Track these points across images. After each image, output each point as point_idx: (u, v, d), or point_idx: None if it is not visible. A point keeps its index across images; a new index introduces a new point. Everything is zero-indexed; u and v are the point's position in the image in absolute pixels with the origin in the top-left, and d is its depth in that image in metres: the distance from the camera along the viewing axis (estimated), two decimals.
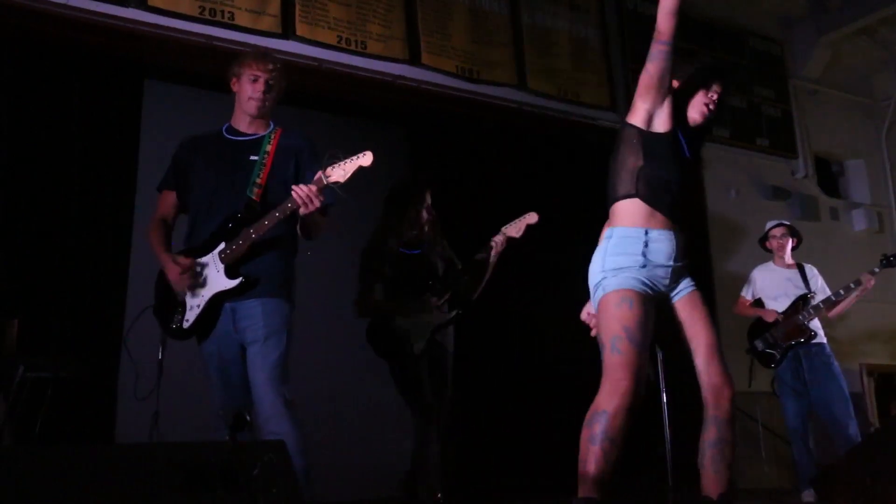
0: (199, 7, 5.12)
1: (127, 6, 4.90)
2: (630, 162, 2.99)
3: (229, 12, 5.23)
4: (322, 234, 3.41)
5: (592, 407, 2.80)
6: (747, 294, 5.86)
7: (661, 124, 2.99)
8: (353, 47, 5.66)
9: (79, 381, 4.18)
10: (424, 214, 4.58)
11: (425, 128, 6.20)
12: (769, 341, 5.57)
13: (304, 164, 3.39)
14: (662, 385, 4.73)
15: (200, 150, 3.42)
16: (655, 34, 2.92)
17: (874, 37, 8.76)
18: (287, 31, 5.41)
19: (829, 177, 8.92)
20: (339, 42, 5.60)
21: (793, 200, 8.02)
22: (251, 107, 3.38)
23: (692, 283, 3.03)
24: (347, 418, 5.75)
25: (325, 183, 3.15)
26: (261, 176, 3.30)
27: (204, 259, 3.25)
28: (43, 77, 4.72)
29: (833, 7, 8.32)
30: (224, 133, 3.44)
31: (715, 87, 3.08)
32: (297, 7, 5.48)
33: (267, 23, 5.35)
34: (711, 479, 2.86)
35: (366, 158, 3.17)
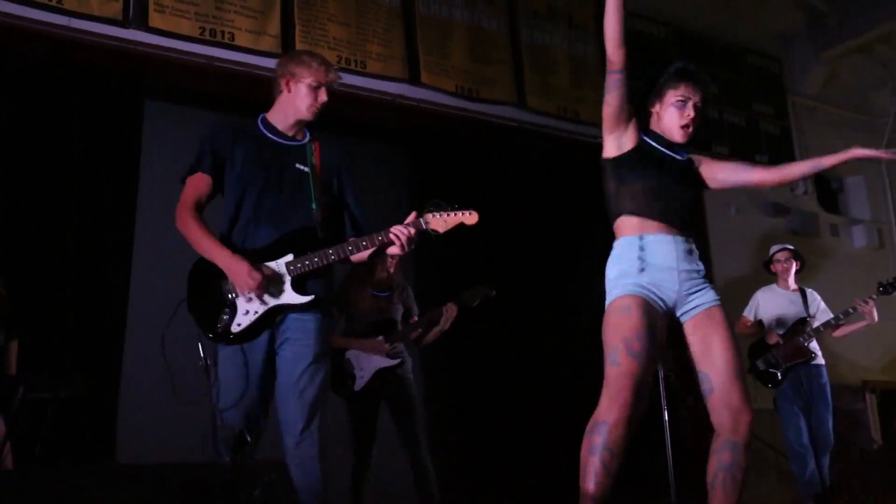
0: (200, 28, 5.15)
1: (128, 27, 4.93)
2: (612, 188, 3.08)
3: (230, 33, 5.25)
4: None
5: (593, 418, 2.81)
6: (749, 315, 5.89)
7: (629, 142, 3.07)
8: (352, 67, 5.68)
9: (79, 401, 4.16)
10: (389, 260, 4.78)
11: (425, 146, 6.22)
12: (770, 362, 5.63)
13: (346, 183, 3.34)
14: (664, 402, 4.73)
15: (240, 142, 3.24)
16: (608, 65, 3.03)
17: (871, 54, 8.80)
18: (287, 52, 5.42)
19: (829, 193, 8.93)
20: (338, 61, 5.62)
21: (793, 217, 8.03)
22: (309, 113, 3.26)
23: (716, 299, 2.98)
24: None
25: (423, 228, 3.12)
26: (317, 189, 3.20)
27: (269, 265, 3.10)
28: (44, 97, 4.74)
29: (830, 24, 8.36)
30: (262, 128, 3.30)
31: (683, 93, 3.10)
32: (297, 27, 5.51)
33: (267, 43, 5.37)
34: (720, 502, 2.84)
35: (471, 217, 3.18)
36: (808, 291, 5.87)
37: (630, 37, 7.68)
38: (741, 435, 2.85)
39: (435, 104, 6.04)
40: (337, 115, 5.74)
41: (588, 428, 2.79)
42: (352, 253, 3.12)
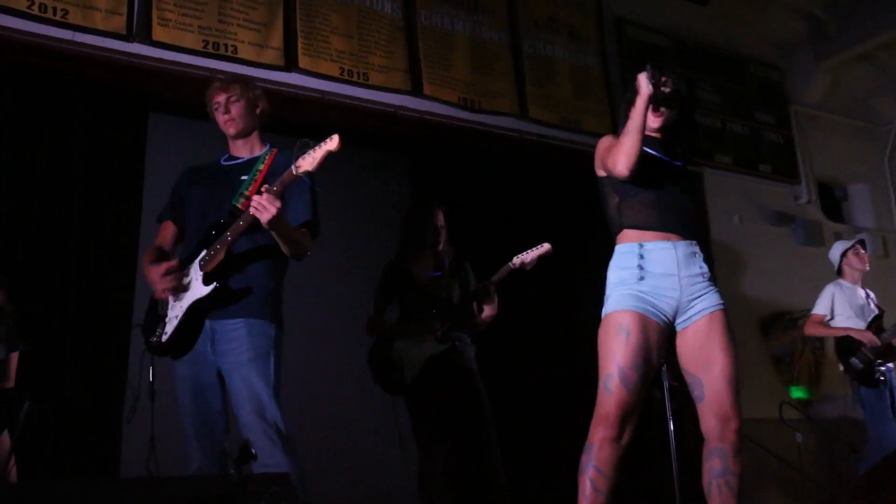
0: (203, 41, 5.17)
1: (131, 41, 4.95)
2: (611, 204, 3.08)
3: (232, 46, 5.27)
4: (307, 253, 3.25)
5: (587, 439, 2.84)
6: (825, 310, 5.73)
7: None
8: (355, 79, 5.70)
9: (83, 414, 4.17)
10: (439, 235, 4.55)
11: (427, 157, 6.23)
12: (867, 360, 5.44)
13: (294, 184, 3.23)
14: (669, 413, 4.72)
15: (198, 180, 3.39)
16: (616, 174, 2.95)
17: (873, 62, 8.80)
18: (290, 64, 5.45)
19: (833, 202, 8.92)
20: (341, 74, 5.64)
21: (796, 226, 8.01)
22: (227, 130, 3.37)
23: (719, 303, 2.98)
24: (342, 446, 5.73)
25: (296, 174, 3.00)
26: (249, 189, 3.18)
27: (187, 269, 3.14)
28: (48, 111, 4.76)
29: (831, 33, 8.37)
30: (221, 161, 3.42)
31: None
32: (300, 40, 5.53)
33: (270, 56, 5.39)
34: None
35: (332, 143, 2.96)
36: (867, 289, 5.79)
37: (631, 46, 7.74)
38: (729, 441, 2.86)
39: (437, 115, 6.05)
40: (339, 126, 5.80)
41: (583, 449, 2.83)
42: (243, 227, 3.03)
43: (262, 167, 3.25)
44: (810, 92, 8.55)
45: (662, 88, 2.93)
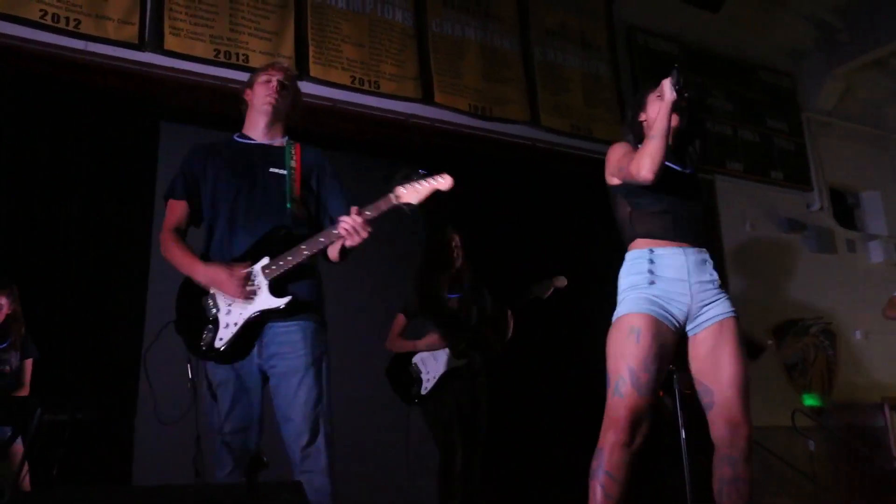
0: (214, 50, 5.19)
1: (143, 50, 4.98)
2: (622, 213, 3.09)
3: (244, 55, 5.29)
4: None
5: (598, 443, 2.82)
6: None
7: None
8: (366, 87, 5.72)
9: (96, 422, 4.17)
10: (456, 258, 4.72)
11: (439, 166, 6.21)
12: None
13: (325, 183, 3.23)
14: (681, 422, 4.70)
15: (212, 157, 3.19)
16: (637, 179, 2.93)
17: (886, 68, 8.78)
18: (301, 73, 5.46)
19: (845, 209, 8.88)
20: (352, 82, 5.65)
21: (808, 233, 7.99)
22: (266, 108, 3.19)
23: (730, 310, 2.96)
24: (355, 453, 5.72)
25: (395, 203, 2.97)
26: (295, 189, 3.09)
27: (250, 271, 2.97)
28: (61, 120, 4.78)
29: (843, 39, 8.35)
30: (235, 138, 3.26)
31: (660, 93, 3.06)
32: (311, 48, 5.55)
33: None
34: None
35: (444, 182, 3.01)
36: None
37: (642, 53, 7.74)
38: (739, 449, 2.84)
39: (448, 123, 6.06)
40: (351, 135, 5.83)
41: (594, 454, 2.81)
42: (324, 245, 2.96)
43: (293, 164, 3.14)
44: (822, 99, 8.52)
45: (684, 94, 2.93)
